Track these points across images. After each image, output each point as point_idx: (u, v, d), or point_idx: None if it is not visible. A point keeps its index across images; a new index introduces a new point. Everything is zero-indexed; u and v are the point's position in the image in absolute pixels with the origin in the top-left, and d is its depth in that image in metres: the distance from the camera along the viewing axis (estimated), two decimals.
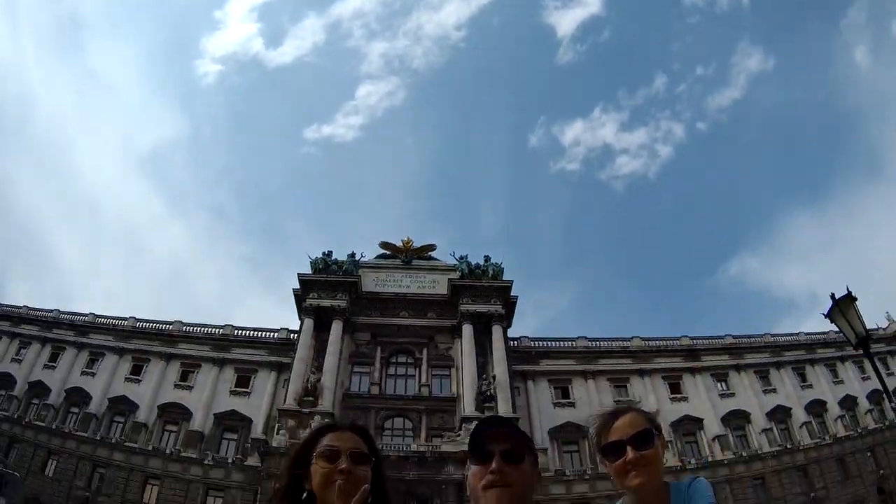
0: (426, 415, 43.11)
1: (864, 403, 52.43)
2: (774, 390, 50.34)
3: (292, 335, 47.89)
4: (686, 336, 51.71)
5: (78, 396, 47.51)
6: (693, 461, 44.72)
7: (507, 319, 47.43)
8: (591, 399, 46.07)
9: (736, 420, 47.58)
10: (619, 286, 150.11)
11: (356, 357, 45.52)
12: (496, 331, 45.25)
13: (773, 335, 54.31)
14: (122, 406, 46.61)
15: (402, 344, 46.21)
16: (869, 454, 50.71)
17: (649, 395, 47.12)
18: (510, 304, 48.04)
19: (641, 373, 48.35)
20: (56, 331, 51.85)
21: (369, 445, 2.38)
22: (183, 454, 43.52)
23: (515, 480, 2.17)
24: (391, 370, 45.71)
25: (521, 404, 44.06)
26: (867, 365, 11.86)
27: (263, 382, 46.39)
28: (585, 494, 42.12)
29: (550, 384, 46.95)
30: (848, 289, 11.41)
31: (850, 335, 11.17)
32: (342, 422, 2.51)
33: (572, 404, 46.07)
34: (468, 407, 41.85)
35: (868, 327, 11.81)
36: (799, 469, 47.21)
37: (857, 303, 11.29)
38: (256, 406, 44.95)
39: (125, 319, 51.55)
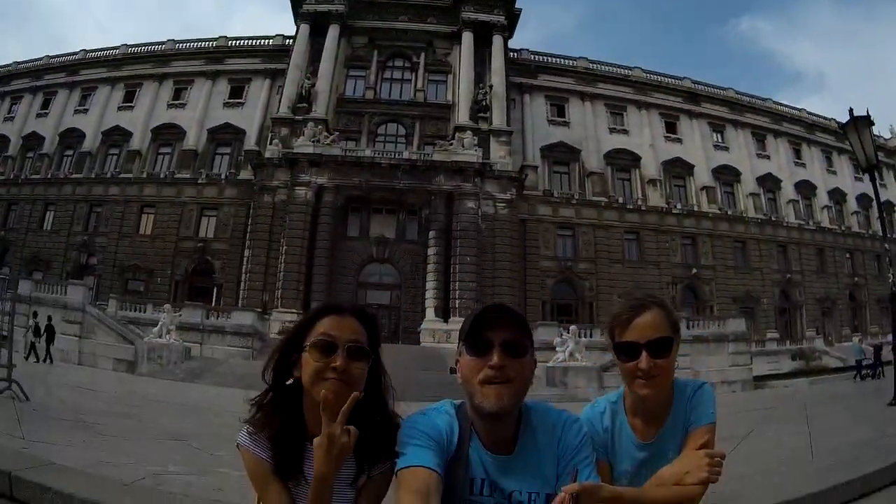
0: (420, 121, 41.83)
1: (851, 203, 52.15)
2: (768, 157, 49.19)
3: (288, 41, 45.34)
4: (689, 78, 49.59)
5: (72, 137, 46.27)
6: (679, 206, 44.25)
7: (508, 31, 44.82)
8: (586, 122, 44.61)
9: (726, 176, 46.59)
10: (626, 13, 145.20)
11: (352, 61, 43.50)
12: (496, 41, 43.03)
13: (775, 102, 52.40)
14: (115, 136, 45.31)
15: (399, 48, 44.03)
16: (848, 256, 50.88)
17: (644, 128, 45.80)
18: (513, 16, 45.28)
19: (639, 105, 46.53)
20: (47, 77, 49.53)
21: (371, 336, 2.00)
22: (177, 176, 42.74)
23: (516, 375, 1.90)
24: (387, 74, 43.78)
25: (515, 118, 42.57)
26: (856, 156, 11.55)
27: (257, 91, 44.56)
28: (571, 219, 41.87)
29: (547, 100, 45.20)
30: (867, 111, 10.99)
31: (860, 157, 10.88)
32: (345, 302, 2.11)
33: (567, 124, 44.69)
34: (462, 115, 40.44)
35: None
36: (780, 245, 47.32)
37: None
38: (250, 117, 43.51)
39: (116, 48, 49.07)
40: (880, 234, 45.70)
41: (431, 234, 37.68)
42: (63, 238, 43.57)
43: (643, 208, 43.37)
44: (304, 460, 1.88)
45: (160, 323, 27.18)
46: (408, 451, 1.84)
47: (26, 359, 21.65)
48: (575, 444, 1.99)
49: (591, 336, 30.00)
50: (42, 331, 24.22)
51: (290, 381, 1.92)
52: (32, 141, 47.62)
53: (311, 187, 38.07)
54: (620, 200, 43.22)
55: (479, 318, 1.93)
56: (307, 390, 1.88)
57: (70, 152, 46.68)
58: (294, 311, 36.35)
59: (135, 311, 31.97)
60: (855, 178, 51.37)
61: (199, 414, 9.91)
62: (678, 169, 45.50)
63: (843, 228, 50.85)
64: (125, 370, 25.74)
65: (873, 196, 12.82)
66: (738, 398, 21.77)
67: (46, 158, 46.48)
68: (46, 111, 48.79)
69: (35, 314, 24.18)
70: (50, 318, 24.96)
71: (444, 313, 36.41)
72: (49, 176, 45.63)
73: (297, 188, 38.28)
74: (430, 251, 37.48)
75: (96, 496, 2.75)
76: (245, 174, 41.51)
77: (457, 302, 36.40)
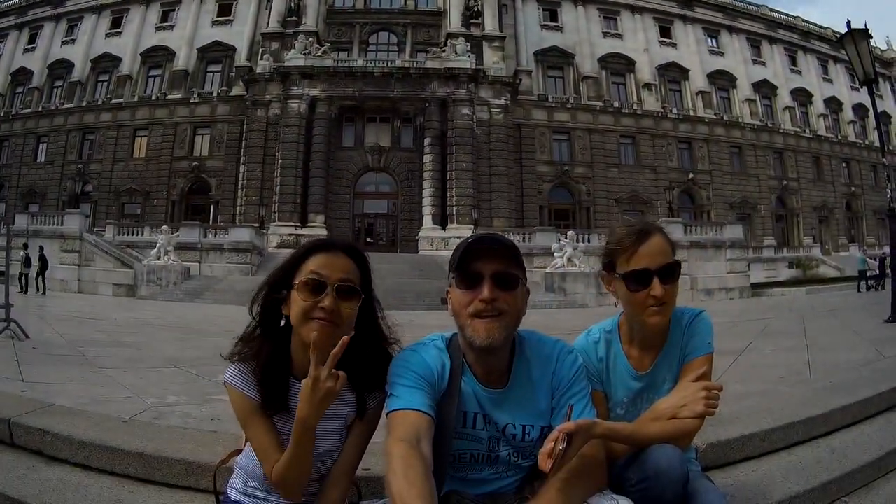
0: (411, 29, 41.09)
1: (848, 113, 51.50)
2: (763, 64, 48.44)
3: None
4: None
5: (61, 68, 45.44)
6: (675, 110, 43.70)
7: None
8: (579, 26, 43.75)
9: (722, 81, 45.89)
10: None
11: None
12: None
13: (770, 9, 51.30)
14: (105, 63, 44.50)
15: None
16: (844, 165, 50.49)
17: (638, 33, 44.88)
18: None
19: (633, 9, 45.53)
20: (31, 12, 47.98)
21: (363, 273, 1.88)
22: (169, 97, 42.07)
23: (508, 308, 1.80)
24: None
25: (507, 23, 41.78)
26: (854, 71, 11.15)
27: (246, 7, 43.35)
28: (566, 123, 41.37)
29: (539, 5, 44.10)
30: (866, 24, 10.74)
31: (858, 70, 10.67)
32: (337, 239, 1.95)
33: (560, 29, 43.76)
34: (454, 22, 39.73)
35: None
36: (776, 152, 46.92)
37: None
38: (239, 34, 42.60)
39: None
40: (877, 144, 45.69)
41: (427, 140, 37.19)
42: (57, 168, 43.31)
43: (639, 112, 42.78)
44: (289, 395, 1.82)
45: (158, 244, 26.97)
46: (397, 393, 1.76)
47: (25, 292, 21.51)
48: (570, 376, 1.91)
49: (588, 241, 29.76)
50: (33, 262, 23.87)
51: (282, 323, 1.85)
52: (21, 76, 46.79)
53: (304, 100, 37.57)
54: (616, 104, 42.56)
55: (469, 248, 1.83)
56: (295, 329, 1.80)
57: (60, 83, 45.90)
58: (292, 223, 36.26)
59: (132, 234, 31.69)
60: (851, 87, 50.61)
61: (198, 337, 9.68)
62: (673, 73, 44.81)
63: (839, 137, 50.43)
64: (125, 294, 25.69)
65: (870, 107, 12.70)
66: (736, 306, 21.56)
67: (36, 92, 45.73)
68: (33, 46, 47.75)
69: (25, 246, 23.85)
70: (42, 249, 24.77)
71: (441, 220, 36.25)
72: (40, 109, 45.02)
73: (290, 101, 37.79)
74: (427, 158, 37.07)
75: (94, 436, 2.69)
76: (237, 90, 40.91)
77: (454, 209, 36.26)
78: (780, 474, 2.59)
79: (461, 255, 1.82)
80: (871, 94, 11.77)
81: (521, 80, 40.37)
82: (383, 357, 1.92)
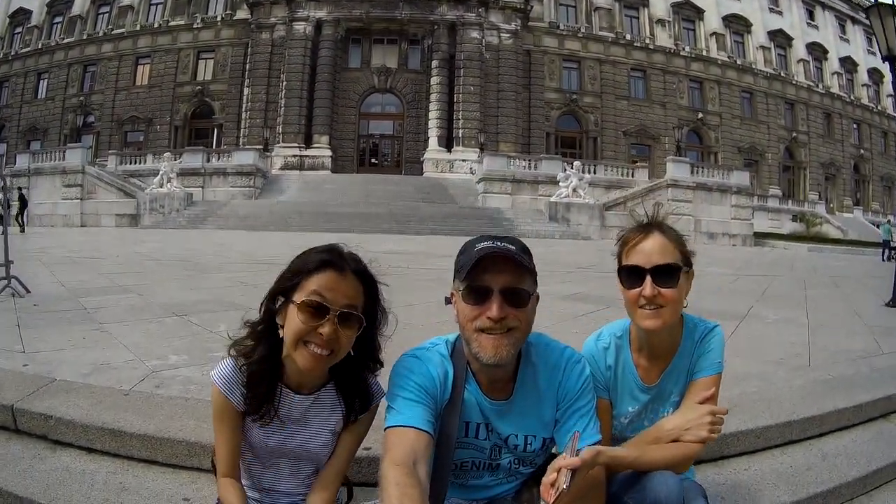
0: None
1: (862, 75, 50.35)
2: (780, 13, 46.88)
3: None
4: None
5: (60, 4, 45.04)
6: (688, 48, 42.64)
7: None
8: None
9: (736, 25, 44.62)
10: None
11: None
12: None
13: None
14: None
15: None
16: (855, 126, 49.65)
17: None
18: None
19: None
20: None
21: (368, 297, 1.72)
22: (171, 23, 41.14)
23: (518, 325, 1.67)
24: None
25: None
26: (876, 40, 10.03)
27: None
28: (576, 52, 40.41)
29: None
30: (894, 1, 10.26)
31: (882, 44, 10.10)
32: (349, 257, 1.72)
33: None
34: None
35: None
36: (788, 103, 46.12)
37: None
38: None
39: None
40: (889, 111, 45.01)
41: (435, 63, 36.52)
42: (58, 103, 42.94)
43: (651, 47, 41.66)
44: (276, 402, 1.72)
45: (161, 172, 26.82)
46: (397, 406, 1.66)
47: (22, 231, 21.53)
48: (576, 388, 1.80)
49: (594, 172, 29.47)
50: (10, 202, 23.92)
51: (281, 334, 1.70)
52: (19, 16, 46.17)
53: (310, 22, 36.74)
54: (628, 37, 41.41)
55: (478, 261, 1.64)
56: (287, 349, 1.67)
57: (59, 20, 45.17)
58: (296, 144, 35.94)
59: (135, 163, 31.50)
60: (868, 50, 49.32)
61: (199, 274, 9.34)
62: (688, 11, 43.36)
63: (852, 98, 49.42)
64: (128, 224, 25.76)
65: (888, 78, 12.09)
66: (738, 254, 21.27)
67: (35, 30, 45.13)
68: None
69: (3, 187, 23.80)
70: (20, 189, 25.20)
71: (447, 143, 35.94)
72: (40, 46, 44.35)
73: (295, 23, 36.94)
74: (434, 80, 36.46)
75: (96, 418, 2.59)
76: (241, 14, 39.93)
77: (460, 132, 35.91)
78: (772, 479, 2.59)
79: (471, 267, 1.68)
80: (893, 69, 11.31)
81: (532, 6, 39.20)
82: (367, 380, 1.87)
